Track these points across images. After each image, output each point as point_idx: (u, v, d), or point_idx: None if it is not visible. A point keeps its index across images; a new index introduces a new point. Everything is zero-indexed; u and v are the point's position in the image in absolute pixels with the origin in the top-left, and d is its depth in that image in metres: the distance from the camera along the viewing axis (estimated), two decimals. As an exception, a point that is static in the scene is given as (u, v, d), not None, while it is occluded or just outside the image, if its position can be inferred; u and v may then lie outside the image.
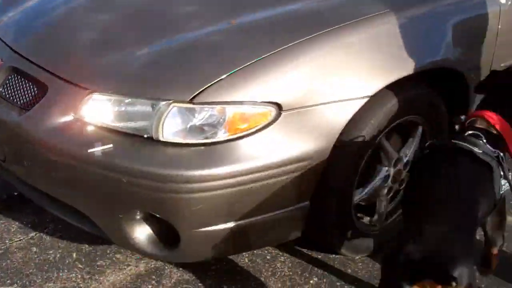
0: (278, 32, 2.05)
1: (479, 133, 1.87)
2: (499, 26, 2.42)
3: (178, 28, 2.18)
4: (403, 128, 2.35)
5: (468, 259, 1.50)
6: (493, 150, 1.84)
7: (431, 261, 1.46)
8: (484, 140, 1.85)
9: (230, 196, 1.91)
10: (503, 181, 1.85)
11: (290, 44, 1.94)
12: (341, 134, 2.02)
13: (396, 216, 2.45)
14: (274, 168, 1.93)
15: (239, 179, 1.89)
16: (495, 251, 2.07)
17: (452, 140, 1.86)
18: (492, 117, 1.91)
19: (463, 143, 1.82)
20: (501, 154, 1.87)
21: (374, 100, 2.06)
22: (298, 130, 1.95)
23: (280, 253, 2.42)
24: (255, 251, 2.41)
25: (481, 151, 1.80)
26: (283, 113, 1.91)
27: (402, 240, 1.60)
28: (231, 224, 1.97)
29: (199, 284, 2.23)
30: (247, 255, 2.40)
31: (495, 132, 1.90)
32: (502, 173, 1.84)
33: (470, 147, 1.79)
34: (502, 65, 2.49)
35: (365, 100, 2.01)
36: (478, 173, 1.78)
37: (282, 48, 1.93)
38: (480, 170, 1.79)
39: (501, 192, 1.85)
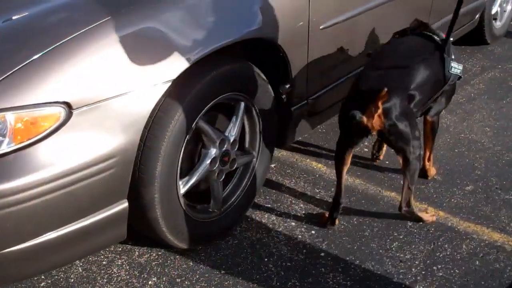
0: (54, 27, 1.84)
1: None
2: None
3: None
4: (226, 107, 2.25)
5: (400, 91, 2.19)
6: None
7: (371, 92, 2.10)
8: None
9: (33, 210, 1.72)
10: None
11: (70, 37, 1.74)
12: (150, 123, 1.88)
13: (236, 199, 2.37)
14: (76, 172, 1.75)
15: (38, 190, 1.70)
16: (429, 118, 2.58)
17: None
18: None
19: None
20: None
21: (181, 83, 1.93)
22: (96, 127, 1.77)
23: (117, 256, 2.26)
24: (89, 258, 2.24)
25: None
26: (75, 112, 1.73)
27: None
28: (42, 238, 1.77)
29: (25, 308, 2.03)
30: (80, 264, 2.22)
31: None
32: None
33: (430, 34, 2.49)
34: (321, 27, 2.44)
35: (167, 85, 1.87)
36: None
37: (62, 42, 1.73)
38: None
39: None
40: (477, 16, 4.02)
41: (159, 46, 1.87)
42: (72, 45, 1.73)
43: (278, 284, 2.13)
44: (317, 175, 2.78)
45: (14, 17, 1.88)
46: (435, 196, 2.63)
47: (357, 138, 2.26)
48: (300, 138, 2.89)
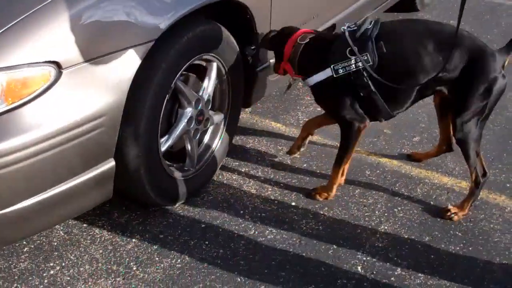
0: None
1: None
2: None
3: None
4: (199, 67, 2.33)
5: None
6: None
7: None
8: None
9: (25, 171, 1.74)
10: None
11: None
12: (133, 83, 1.93)
13: (208, 157, 2.47)
14: (67, 131, 1.79)
15: (30, 150, 1.73)
16: None
17: None
18: None
19: None
20: None
21: (161, 43, 1.99)
22: (85, 87, 1.81)
23: (97, 218, 2.31)
24: (69, 222, 2.28)
25: None
26: (64, 72, 1.76)
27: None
28: (33, 200, 1.81)
29: (13, 271, 2.05)
30: (61, 228, 2.25)
31: None
32: None
33: None
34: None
35: (150, 44, 1.94)
36: None
37: (48, 1, 1.75)
38: None
39: None
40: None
41: (141, 7, 1.92)
42: (58, 4, 1.76)
43: (256, 233, 2.26)
44: (277, 134, 2.92)
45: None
46: (387, 147, 2.85)
47: None
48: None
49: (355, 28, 2.22)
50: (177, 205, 2.38)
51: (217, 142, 2.51)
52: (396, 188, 2.55)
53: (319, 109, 3.12)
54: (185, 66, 2.15)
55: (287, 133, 2.93)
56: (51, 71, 1.74)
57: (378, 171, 2.66)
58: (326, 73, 2.21)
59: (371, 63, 2.15)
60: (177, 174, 2.32)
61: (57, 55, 1.74)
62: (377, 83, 2.17)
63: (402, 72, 2.19)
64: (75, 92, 1.80)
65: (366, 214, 2.39)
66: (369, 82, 2.17)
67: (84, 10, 1.78)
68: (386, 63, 2.17)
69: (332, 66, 2.19)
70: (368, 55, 2.15)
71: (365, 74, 2.16)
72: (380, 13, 3.85)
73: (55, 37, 1.74)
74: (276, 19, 2.57)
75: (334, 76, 2.19)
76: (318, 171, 2.64)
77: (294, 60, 2.33)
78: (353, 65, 2.15)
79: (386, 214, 2.39)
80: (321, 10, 2.98)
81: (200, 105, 2.30)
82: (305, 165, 2.67)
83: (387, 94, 2.22)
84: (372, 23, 2.20)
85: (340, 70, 2.18)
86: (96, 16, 1.81)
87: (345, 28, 2.23)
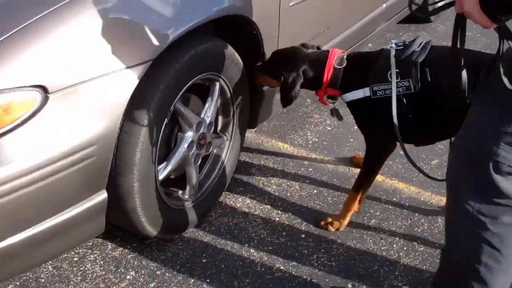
0: (24, 3, 1.65)
1: None
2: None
3: None
4: (200, 88, 2.14)
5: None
6: None
7: None
8: None
9: (7, 206, 1.55)
10: None
11: (42, 14, 1.55)
12: (128, 108, 1.74)
13: (210, 183, 2.27)
14: (54, 163, 1.60)
15: (12, 184, 1.53)
16: None
17: None
18: None
19: None
20: None
21: (159, 63, 1.80)
22: (74, 113, 1.62)
23: (89, 252, 2.11)
24: (59, 256, 2.08)
25: None
26: (51, 96, 1.56)
27: None
28: (16, 238, 1.61)
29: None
30: (50, 263, 2.05)
31: None
32: None
33: None
34: (291, 4, 2.36)
35: (147, 65, 1.74)
36: None
37: (34, 20, 1.54)
38: None
39: None
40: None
41: (137, 25, 1.73)
42: (45, 23, 1.56)
43: (263, 269, 2.07)
44: (285, 155, 2.72)
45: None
46: (404, 171, 2.65)
47: None
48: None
49: (402, 47, 2.03)
50: (176, 237, 2.18)
51: (220, 168, 2.31)
52: (415, 218, 2.35)
53: (329, 128, 2.94)
54: (185, 87, 1.96)
55: (295, 155, 2.73)
56: (36, 96, 1.55)
57: (395, 199, 2.46)
58: (364, 92, 2.05)
59: (412, 91, 1.96)
60: (177, 203, 2.12)
61: (43, 78, 1.54)
62: (416, 109, 2.00)
63: (442, 104, 1.99)
64: (63, 119, 1.60)
65: (383, 248, 2.19)
66: (408, 108, 2.00)
67: (74, 29, 1.59)
68: (428, 92, 1.98)
69: (371, 87, 2.02)
70: (410, 81, 1.96)
71: (405, 100, 1.99)
72: (393, 24, 3.67)
73: (41, 59, 1.54)
74: (285, 34, 2.38)
75: (372, 97, 2.02)
76: (329, 198, 2.44)
77: (335, 84, 2.14)
78: (393, 90, 1.98)
79: (405, 248, 2.18)
80: (333, 23, 2.79)
81: (202, 128, 2.10)
82: (315, 191, 2.47)
83: (426, 121, 2.05)
84: (421, 46, 2.01)
85: (379, 92, 2.01)
86: (87, 35, 1.61)
87: (392, 46, 2.05)
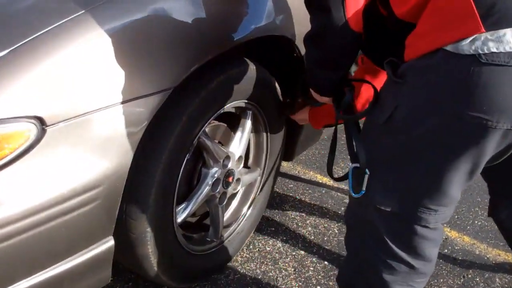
0: (20, 18, 1.39)
1: None
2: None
3: None
4: (228, 115, 1.87)
5: None
6: None
7: None
8: None
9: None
10: None
11: (40, 33, 1.30)
12: (142, 142, 1.48)
13: (237, 225, 2.00)
14: (51, 207, 1.34)
15: (3, 231, 1.29)
16: None
17: None
18: None
19: None
20: None
21: (182, 90, 1.54)
22: (76, 149, 1.36)
23: (95, 297, 1.86)
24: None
25: None
26: (49, 129, 1.31)
27: None
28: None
29: None
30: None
31: None
32: None
33: None
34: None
35: (166, 93, 1.48)
36: None
37: (30, 39, 1.29)
38: None
39: None
40: None
41: (155, 47, 1.46)
42: (44, 43, 1.31)
43: (292, 331, 1.78)
44: (323, 191, 2.43)
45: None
46: (456, 217, 2.32)
47: None
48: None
49: None
50: (194, 285, 1.91)
51: (249, 206, 2.04)
52: (469, 276, 2.02)
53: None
54: (212, 118, 1.69)
55: (335, 190, 2.44)
56: (32, 129, 1.29)
57: (446, 250, 2.13)
58: None
59: None
60: (196, 248, 1.85)
61: (40, 109, 1.29)
62: None
63: None
64: (62, 156, 1.34)
65: (433, 311, 1.88)
66: None
67: (78, 50, 1.33)
68: None
69: None
70: None
71: None
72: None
73: (38, 85, 1.29)
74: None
75: None
76: (372, 246, 2.13)
77: None
78: None
79: (458, 314, 1.87)
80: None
81: (230, 163, 1.83)
82: (356, 236, 2.17)
83: None
84: None
85: None
86: (94, 58, 1.36)
87: None
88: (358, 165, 1.34)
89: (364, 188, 1.33)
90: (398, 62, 1.24)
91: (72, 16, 1.34)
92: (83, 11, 1.36)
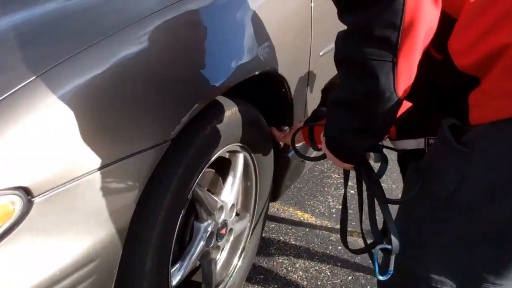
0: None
1: None
2: (312, 13, 1.87)
3: None
4: (217, 161, 1.71)
5: None
6: None
7: None
8: None
9: None
10: None
11: (22, 85, 1.11)
12: (138, 205, 1.29)
13: (229, 277, 1.83)
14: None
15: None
16: None
17: None
18: None
19: None
20: None
21: (176, 143, 1.37)
22: (67, 220, 1.16)
23: None
24: None
25: None
26: (36, 200, 1.11)
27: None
28: None
29: None
30: None
31: None
32: None
33: None
34: (320, 54, 1.97)
35: (164, 147, 1.30)
36: None
37: (10, 93, 1.10)
38: None
39: None
40: None
41: (145, 100, 1.28)
42: (25, 99, 1.11)
43: None
44: (307, 229, 2.30)
45: None
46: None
47: None
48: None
49: None
50: None
51: (239, 257, 1.88)
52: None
53: (352, 190, 2.54)
54: (206, 166, 1.53)
55: (319, 227, 2.31)
56: (16, 201, 1.09)
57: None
58: (418, 143, 1.69)
59: None
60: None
61: (25, 178, 1.09)
62: None
63: None
64: (53, 230, 1.14)
65: None
66: None
67: (63, 108, 1.14)
68: None
69: (426, 138, 1.66)
70: None
71: None
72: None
73: (20, 150, 1.09)
74: (315, 88, 1.98)
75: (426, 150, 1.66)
76: (369, 287, 2.02)
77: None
78: None
79: None
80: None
81: (224, 214, 1.67)
82: (350, 277, 2.05)
83: None
84: None
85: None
86: (81, 116, 1.16)
87: None
88: (388, 246, 1.19)
89: (392, 268, 1.18)
90: (463, 126, 1.06)
91: (56, 64, 1.15)
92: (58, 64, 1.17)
